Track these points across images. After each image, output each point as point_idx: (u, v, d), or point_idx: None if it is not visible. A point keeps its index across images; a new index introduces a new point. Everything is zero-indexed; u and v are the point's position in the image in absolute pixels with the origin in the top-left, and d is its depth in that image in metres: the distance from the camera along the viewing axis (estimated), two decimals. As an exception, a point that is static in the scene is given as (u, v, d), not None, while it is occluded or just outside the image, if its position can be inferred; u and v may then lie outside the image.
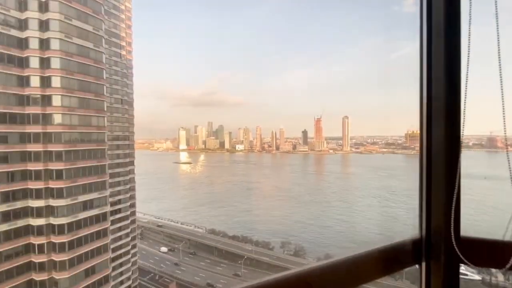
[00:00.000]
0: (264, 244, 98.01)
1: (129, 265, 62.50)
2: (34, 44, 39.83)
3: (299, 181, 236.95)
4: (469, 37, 1.98)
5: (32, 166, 39.86)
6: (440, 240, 2.11)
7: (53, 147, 40.65)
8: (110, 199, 51.75)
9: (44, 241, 39.99)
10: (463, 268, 2.22)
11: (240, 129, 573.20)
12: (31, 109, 39.89)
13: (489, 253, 2.05)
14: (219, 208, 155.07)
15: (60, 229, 40.49)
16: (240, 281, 79.83)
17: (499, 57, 1.89)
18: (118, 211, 61.99)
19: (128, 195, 65.36)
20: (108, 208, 47.11)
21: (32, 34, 39.66)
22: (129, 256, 62.93)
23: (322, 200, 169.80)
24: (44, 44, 40.19)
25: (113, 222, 56.47)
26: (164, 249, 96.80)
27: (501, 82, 1.89)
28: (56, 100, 40.85)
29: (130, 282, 61.98)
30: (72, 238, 41.10)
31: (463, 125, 2.06)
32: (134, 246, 66.29)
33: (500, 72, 1.89)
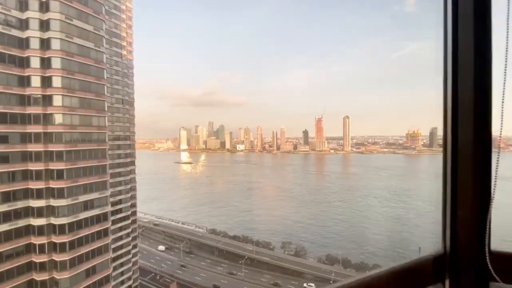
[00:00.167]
0: (265, 244, 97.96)
1: (130, 265, 62.53)
2: (35, 44, 39.87)
3: (300, 181, 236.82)
4: (507, 30, 1.76)
5: (33, 166, 39.90)
6: (469, 255, 1.87)
7: (54, 147, 40.67)
8: (111, 199, 51.78)
9: (45, 241, 40.03)
10: None
11: (241, 129, 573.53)
12: (32, 109, 39.92)
13: None
14: (219, 208, 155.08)
15: (61, 229, 40.52)
16: (237, 280, 79.86)
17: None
18: (119, 211, 62.04)
19: (129, 195, 65.40)
20: (109, 208, 47.10)
21: (33, 34, 39.70)
22: (130, 256, 62.95)
23: (323, 200, 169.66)
24: (45, 44, 40.21)
25: (114, 222, 56.51)
26: (161, 247, 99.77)
27: None
28: (57, 100, 40.86)
29: (131, 282, 62.01)
30: (72, 238, 41.12)
31: (501, 124, 1.83)
32: (135, 246, 66.30)
33: None
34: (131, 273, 62.47)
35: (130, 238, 63.72)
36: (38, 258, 39.82)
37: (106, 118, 47.79)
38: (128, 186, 65.60)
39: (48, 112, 40.46)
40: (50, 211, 40.43)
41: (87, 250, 42.79)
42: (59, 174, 40.83)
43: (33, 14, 39.61)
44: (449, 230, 1.94)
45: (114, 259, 55.06)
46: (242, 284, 78.98)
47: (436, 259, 1.96)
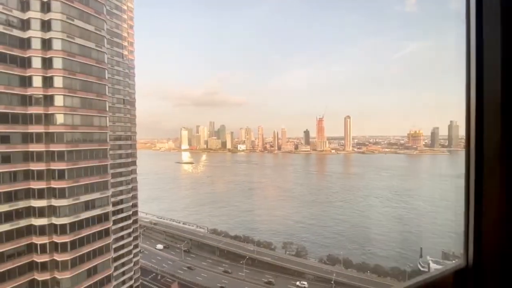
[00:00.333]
0: (266, 244, 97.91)
1: (131, 264, 62.58)
2: (36, 44, 39.94)
3: (301, 181, 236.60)
4: None
5: (34, 166, 39.98)
6: (495, 268, 1.67)
7: (55, 147, 40.73)
8: (112, 199, 51.84)
9: (46, 241, 40.10)
10: None
11: (242, 129, 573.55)
12: (34, 109, 39.99)
13: None
14: (221, 208, 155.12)
15: (62, 229, 40.58)
16: (232, 278, 79.81)
17: None
18: (120, 211, 62.12)
19: (130, 195, 65.47)
20: (110, 208, 47.13)
21: (34, 34, 39.77)
22: (131, 256, 63.01)
23: (324, 200, 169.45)
24: (46, 44, 40.28)
25: (115, 222, 56.56)
26: (159, 246, 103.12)
27: None
28: (58, 100, 40.91)
29: (132, 282, 62.07)
30: (74, 238, 41.19)
31: None
32: (136, 246, 66.34)
33: None
34: (132, 273, 62.53)
35: (131, 238, 63.79)
36: (39, 258, 39.89)
37: (108, 118, 47.84)
38: (129, 186, 65.67)
39: (49, 112, 40.53)
40: (52, 211, 40.50)
41: (89, 250, 42.82)
42: (61, 174, 40.88)
43: (34, 14, 39.69)
44: (473, 240, 1.73)
45: (115, 259, 55.10)
46: (243, 284, 79.02)
47: (458, 273, 1.76)
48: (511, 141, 1.68)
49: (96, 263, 43.72)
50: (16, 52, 38.90)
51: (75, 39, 41.90)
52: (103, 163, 45.88)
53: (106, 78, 47.41)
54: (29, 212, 39.76)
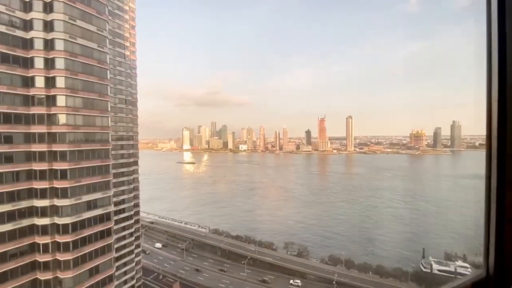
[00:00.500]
0: (268, 244, 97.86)
1: (133, 264, 62.72)
2: (38, 44, 40.09)
3: (302, 181, 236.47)
4: None
5: (37, 166, 40.14)
6: None
7: (58, 147, 40.87)
8: (114, 199, 51.93)
9: (49, 241, 40.25)
10: None
11: (243, 129, 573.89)
12: (36, 109, 40.15)
13: None
14: (222, 208, 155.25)
15: (64, 229, 40.72)
16: (228, 276, 79.81)
17: None
18: (122, 210, 62.29)
19: (132, 195, 65.62)
20: (112, 208, 47.22)
21: (37, 34, 39.93)
22: (133, 255, 63.15)
23: (326, 200, 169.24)
24: (48, 44, 40.43)
25: (117, 222, 56.75)
26: (158, 245, 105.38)
27: None
28: (61, 100, 41.03)
29: (134, 281, 62.21)
30: (76, 237, 41.31)
31: None
32: (138, 246, 66.49)
33: None
34: (134, 272, 62.68)
35: (133, 238, 63.92)
36: (42, 258, 40.05)
37: (109, 118, 47.93)
38: (131, 186, 65.82)
39: (52, 112, 40.67)
40: (54, 211, 40.64)
41: (91, 249, 42.94)
42: (63, 174, 41.01)
43: (37, 15, 39.84)
44: (494, 249, 1.58)
45: (117, 259, 55.29)
46: (243, 284, 79.04)
47: (477, 284, 1.62)
48: None
49: (98, 262, 43.83)
50: (19, 53, 39.05)
51: (77, 39, 42.02)
52: (105, 163, 45.98)
53: (108, 78, 47.51)
54: (32, 211, 39.92)
